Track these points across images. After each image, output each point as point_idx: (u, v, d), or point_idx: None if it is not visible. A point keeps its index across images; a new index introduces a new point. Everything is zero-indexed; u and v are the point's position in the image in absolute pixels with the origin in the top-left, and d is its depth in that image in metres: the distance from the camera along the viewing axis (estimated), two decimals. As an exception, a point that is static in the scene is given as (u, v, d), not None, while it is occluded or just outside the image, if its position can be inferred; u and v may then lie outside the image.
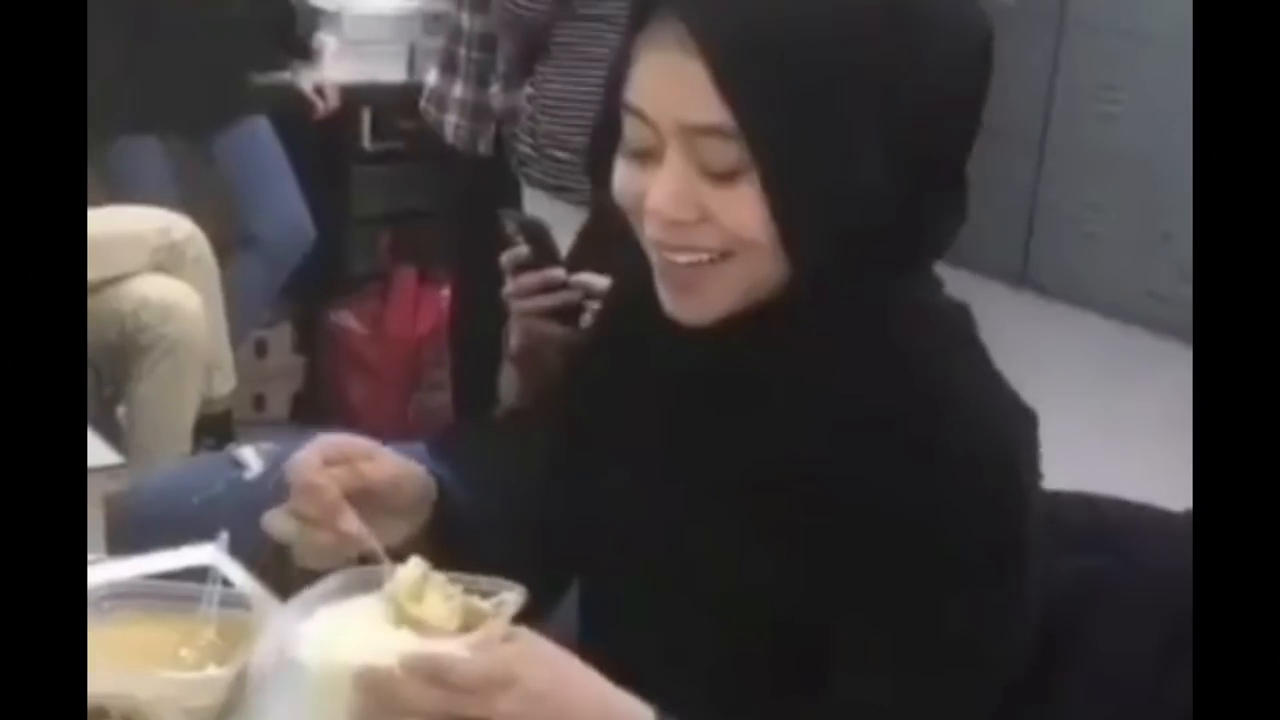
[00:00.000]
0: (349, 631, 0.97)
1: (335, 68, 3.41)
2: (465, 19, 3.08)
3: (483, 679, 0.89)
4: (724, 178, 0.96)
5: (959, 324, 1.06)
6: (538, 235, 1.61)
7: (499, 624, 0.96)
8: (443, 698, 0.88)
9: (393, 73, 3.56)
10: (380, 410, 3.51)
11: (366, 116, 3.56)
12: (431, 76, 3.23)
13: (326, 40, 3.42)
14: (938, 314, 1.05)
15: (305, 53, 3.38)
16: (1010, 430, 1.00)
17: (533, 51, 2.76)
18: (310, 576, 1.03)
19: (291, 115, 3.31)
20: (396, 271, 3.58)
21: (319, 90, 3.35)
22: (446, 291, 3.47)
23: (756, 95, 0.94)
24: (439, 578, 0.99)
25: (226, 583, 1.11)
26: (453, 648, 0.92)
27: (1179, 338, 3.82)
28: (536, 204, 2.83)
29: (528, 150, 2.80)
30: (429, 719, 0.89)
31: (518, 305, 1.63)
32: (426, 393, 3.55)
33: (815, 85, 0.94)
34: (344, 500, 1.04)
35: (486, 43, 3.03)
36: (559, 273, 1.59)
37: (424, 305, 3.55)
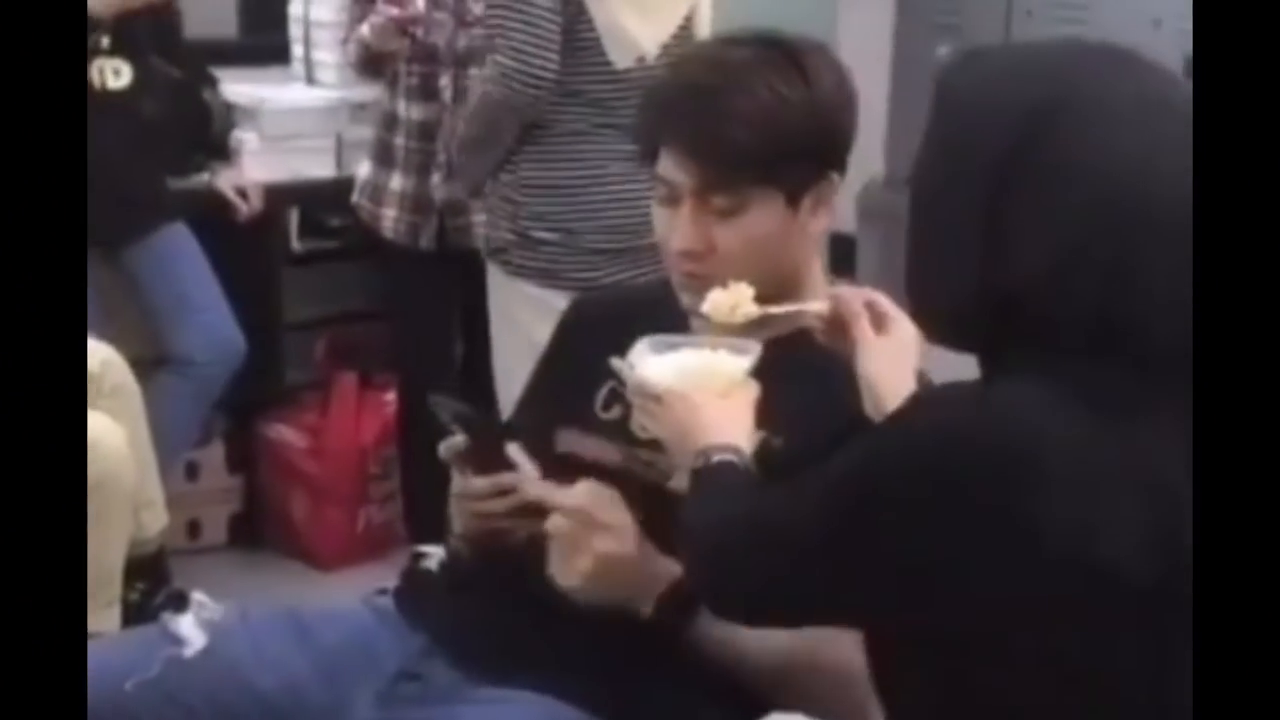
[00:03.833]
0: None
1: (257, 167, 3.27)
2: (402, 107, 2.97)
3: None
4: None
5: None
6: (475, 426, 1.51)
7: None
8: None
9: (319, 168, 3.42)
10: (326, 528, 3.34)
11: (294, 216, 3.43)
12: (364, 169, 3.12)
13: (245, 138, 3.28)
14: None
15: (223, 152, 3.24)
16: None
17: (519, 135, 2.59)
18: None
19: (212, 220, 3.15)
20: (335, 378, 3.41)
21: (240, 192, 3.19)
22: (391, 396, 3.33)
23: None
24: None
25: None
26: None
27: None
28: (506, 295, 2.65)
29: (507, 235, 2.60)
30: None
31: (467, 506, 1.54)
32: (375, 507, 3.39)
33: None
34: None
35: (426, 131, 2.92)
36: (511, 477, 1.48)
37: (367, 413, 3.39)
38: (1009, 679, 1.13)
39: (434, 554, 1.76)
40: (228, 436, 3.40)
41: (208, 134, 3.23)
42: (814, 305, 1.50)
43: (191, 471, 3.34)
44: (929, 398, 1.23)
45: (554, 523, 1.45)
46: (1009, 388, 1.14)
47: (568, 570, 1.43)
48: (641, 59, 2.49)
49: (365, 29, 2.92)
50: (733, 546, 1.29)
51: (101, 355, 2.58)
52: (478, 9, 2.78)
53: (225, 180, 3.19)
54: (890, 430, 1.21)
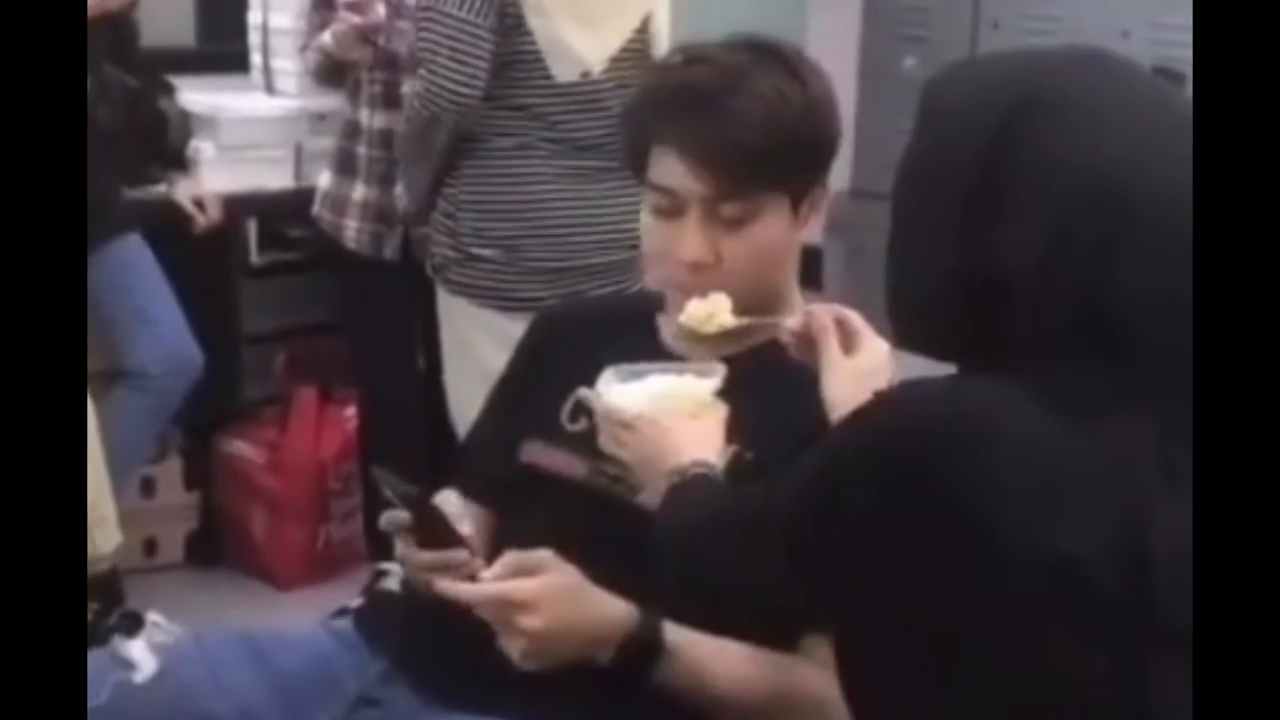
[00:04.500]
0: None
1: (214, 177, 3.22)
2: (365, 116, 2.92)
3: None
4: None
5: None
6: (418, 503, 1.46)
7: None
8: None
9: (278, 178, 3.37)
10: (285, 546, 3.29)
11: (252, 227, 3.38)
12: (325, 179, 3.06)
13: (202, 147, 3.23)
14: None
15: (180, 162, 3.19)
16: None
17: (455, 148, 2.52)
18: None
19: (169, 231, 3.10)
20: (295, 392, 3.36)
21: (198, 202, 3.14)
22: (351, 411, 3.28)
23: None
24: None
25: None
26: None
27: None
28: (452, 313, 2.59)
29: (448, 252, 2.54)
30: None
31: (413, 574, 1.51)
32: (336, 524, 3.34)
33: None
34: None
35: (389, 140, 2.86)
36: (461, 554, 1.43)
37: (327, 428, 3.33)
38: (985, 684, 1.11)
39: (395, 572, 1.72)
40: (185, 452, 3.35)
41: (164, 143, 3.17)
42: (788, 320, 1.48)
43: (147, 488, 3.29)
44: (893, 394, 1.21)
45: (478, 610, 1.39)
46: (980, 384, 1.13)
47: (508, 649, 1.38)
48: (586, 73, 2.45)
49: (327, 37, 2.89)
50: (705, 546, 1.30)
51: (53, 369, 2.52)
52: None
53: (182, 190, 3.15)
54: (851, 430, 1.19)
